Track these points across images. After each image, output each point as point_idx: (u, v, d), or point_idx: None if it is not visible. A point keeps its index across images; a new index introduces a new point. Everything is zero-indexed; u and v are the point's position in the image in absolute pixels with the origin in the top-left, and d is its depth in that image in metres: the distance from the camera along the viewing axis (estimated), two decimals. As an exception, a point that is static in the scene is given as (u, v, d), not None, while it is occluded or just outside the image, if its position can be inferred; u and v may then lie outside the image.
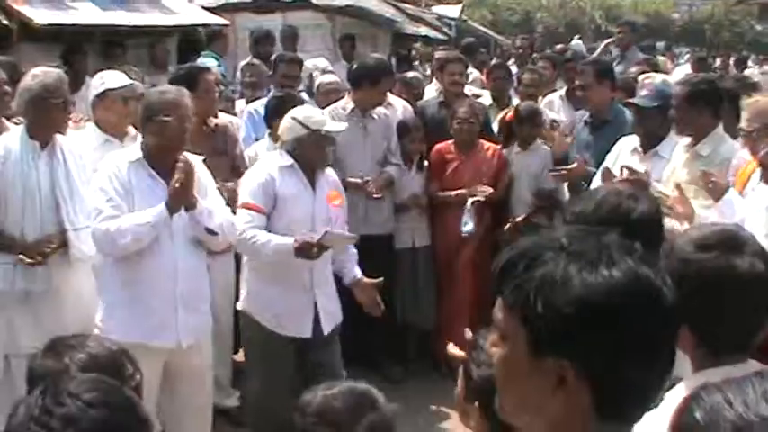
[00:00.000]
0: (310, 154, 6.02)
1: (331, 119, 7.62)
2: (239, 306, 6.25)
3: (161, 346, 5.44)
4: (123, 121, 6.41)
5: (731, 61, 22.30)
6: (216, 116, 7.29)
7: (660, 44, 27.34)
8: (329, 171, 6.35)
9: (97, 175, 5.47)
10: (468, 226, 7.66)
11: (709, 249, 2.62)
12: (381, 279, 6.32)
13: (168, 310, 5.50)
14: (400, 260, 8.08)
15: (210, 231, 5.53)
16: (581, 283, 1.69)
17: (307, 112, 6.19)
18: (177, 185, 5.31)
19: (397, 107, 8.45)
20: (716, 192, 5.33)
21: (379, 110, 8.00)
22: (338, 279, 6.41)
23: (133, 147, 5.61)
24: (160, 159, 5.47)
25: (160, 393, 5.60)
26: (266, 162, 6.15)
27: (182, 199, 5.37)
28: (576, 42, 19.57)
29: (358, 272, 6.35)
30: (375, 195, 7.62)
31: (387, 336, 8.01)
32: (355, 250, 6.40)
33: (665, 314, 1.73)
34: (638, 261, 1.74)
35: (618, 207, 3.43)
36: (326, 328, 6.13)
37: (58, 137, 5.89)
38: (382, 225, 7.89)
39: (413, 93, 9.51)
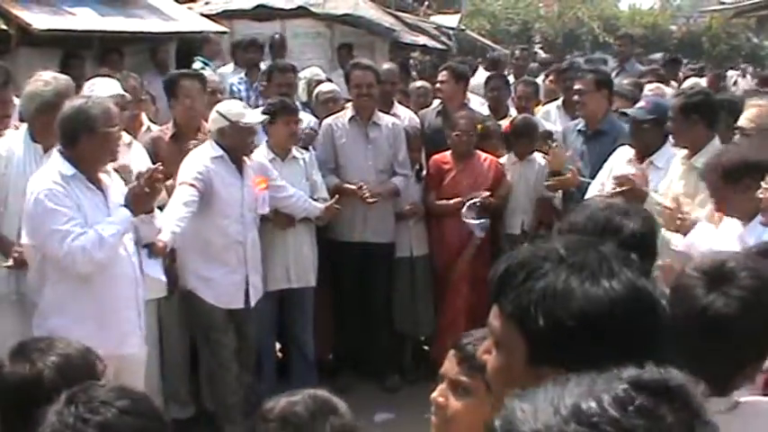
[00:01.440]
0: (232, 143, 6.60)
1: (334, 126, 7.82)
2: (184, 287, 6.68)
3: (125, 353, 5.39)
4: None
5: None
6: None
7: (658, 56, 27.42)
8: (254, 156, 6.97)
9: (41, 196, 5.23)
10: (473, 227, 7.65)
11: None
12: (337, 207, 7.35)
13: (133, 316, 5.57)
14: (399, 268, 8.08)
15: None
16: (583, 296, 1.70)
17: (228, 106, 6.82)
18: (142, 190, 5.36)
19: (404, 117, 8.43)
20: (683, 228, 5.28)
21: (386, 118, 8.01)
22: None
23: (56, 160, 5.39)
24: (94, 170, 5.41)
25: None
26: (201, 152, 6.63)
27: (147, 203, 5.46)
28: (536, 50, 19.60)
29: (317, 204, 7.35)
30: (369, 200, 7.59)
31: (384, 344, 8.03)
32: (301, 194, 7.25)
33: (662, 325, 1.74)
34: (637, 273, 1.75)
35: (608, 223, 3.37)
36: (254, 301, 6.85)
37: None
38: (383, 233, 7.90)
39: (417, 102, 9.53)
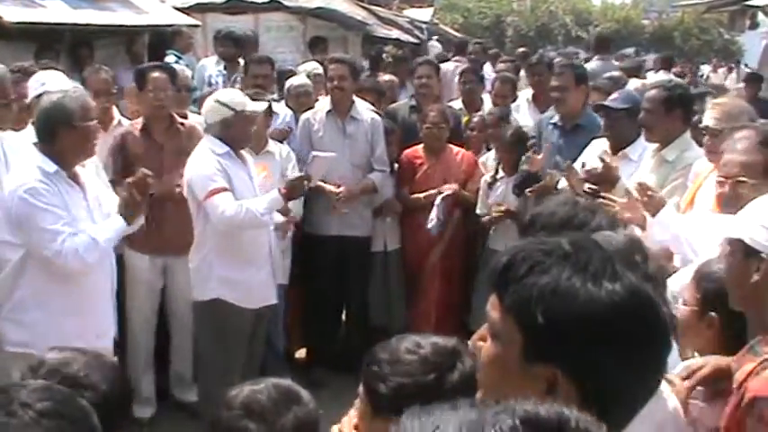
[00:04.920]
0: (237, 134, 6.21)
1: (311, 120, 7.84)
2: (210, 296, 6.35)
3: (103, 346, 5.29)
4: None
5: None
6: (185, 117, 7.35)
7: (630, 51, 27.44)
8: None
9: (25, 194, 5.13)
10: (432, 222, 7.52)
11: None
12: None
13: (109, 310, 5.61)
14: (372, 263, 8.08)
15: None
16: (585, 297, 1.68)
17: (229, 95, 6.42)
18: (137, 199, 5.35)
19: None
20: (650, 206, 5.24)
21: (365, 113, 7.97)
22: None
23: (35, 156, 5.28)
24: (71, 165, 5.37)
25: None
26: (204, 152, 6.23)
27: (140, 209, 5.43)
28: (433, 44, 19.58)
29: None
30: (340, 208, 7.59)
31: (357, 338, 8.03)
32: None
33: (660, 329, 1.74)
34: (639, 276, 1.73)
35: (572, 218, 3.41)
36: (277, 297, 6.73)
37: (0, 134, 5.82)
38: (360, 226, 7.89)
39: (385, 96, 9.51)
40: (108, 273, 5.59)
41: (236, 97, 6.33)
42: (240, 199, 6.13)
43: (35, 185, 5.13)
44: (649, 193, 5.16)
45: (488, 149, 8.17)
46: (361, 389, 2.65)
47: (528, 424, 1.28)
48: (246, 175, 6.35)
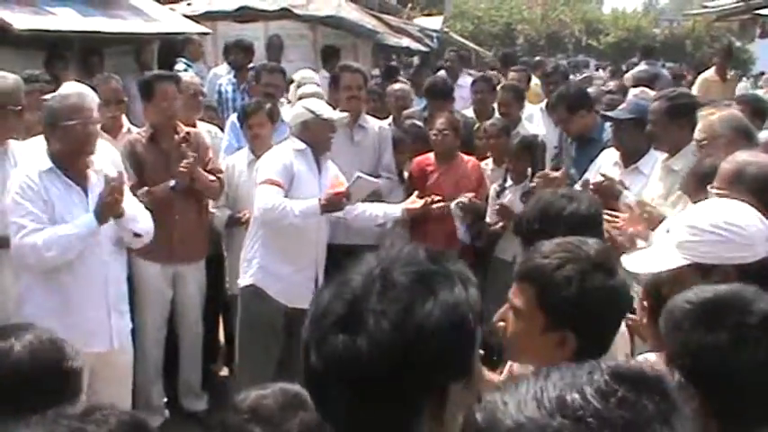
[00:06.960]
0: (314, 136, 6.60)
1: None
2: (247, 282, 6.61)
3: (94, 351, 5.41)
4: None
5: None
6: (194, 125, 7.37)
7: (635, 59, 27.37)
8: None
9: (14, 188, 5.44)
10: (460, 232, 7.57)
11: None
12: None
13: (101, 315, 5.66)
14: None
15: (137, 234, 5.83)
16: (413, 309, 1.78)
17: (313, 101, 6.90)
18: (109, 199, 5.43)
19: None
20: (649, 222, 5.18)
21: (372, 121, 7.98)
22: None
23: (39, 155, 5.58)
24: (70, 165, 5.55)
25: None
26: (285, 147, 6.65)
27: (112, 211, 5.51)
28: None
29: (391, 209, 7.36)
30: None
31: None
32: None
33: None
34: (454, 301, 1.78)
35: (552, 204, 3.83)
36: None
37: (11, 142, 5.91)
38: (366, 235, 7.78)
39: (396, 105, 9.50)
40: (100, 281, 5.65)
41: (318, 104, 6.85)
42: (301, 192, 6.44)
43: (23, 180, 5.42)
44: (647, 208, 5.17)
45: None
46: None
47: (616, 376, 1.35)
48: (315, 179, 6.62)
